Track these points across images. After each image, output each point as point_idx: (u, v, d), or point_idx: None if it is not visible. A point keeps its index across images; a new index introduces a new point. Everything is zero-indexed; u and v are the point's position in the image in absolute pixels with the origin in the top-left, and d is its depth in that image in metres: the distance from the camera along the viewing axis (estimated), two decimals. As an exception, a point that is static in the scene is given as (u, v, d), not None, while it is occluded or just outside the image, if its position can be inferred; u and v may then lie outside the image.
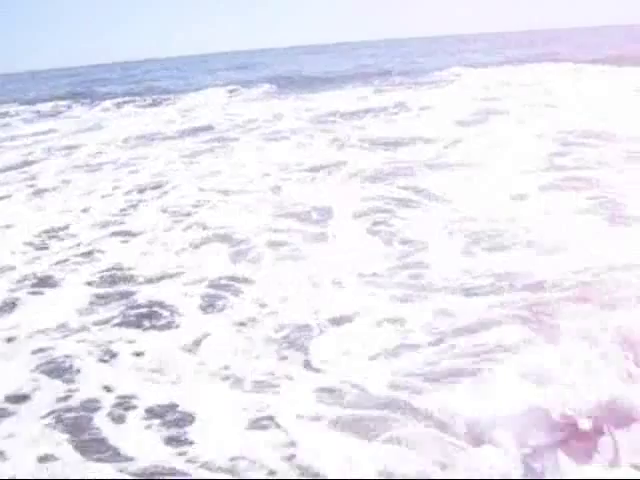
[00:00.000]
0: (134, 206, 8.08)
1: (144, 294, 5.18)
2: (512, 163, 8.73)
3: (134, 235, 6.87)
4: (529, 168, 8.34)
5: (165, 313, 4.80)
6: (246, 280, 5.32)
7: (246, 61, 53.16)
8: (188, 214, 7.51)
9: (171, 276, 5.57)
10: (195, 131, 14.75)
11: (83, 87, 35.28)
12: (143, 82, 36.08)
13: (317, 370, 3.79)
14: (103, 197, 8.80)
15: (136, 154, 11.99)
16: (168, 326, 4.62)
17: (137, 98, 24.61)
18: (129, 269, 5.80)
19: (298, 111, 16.59)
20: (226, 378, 3.78)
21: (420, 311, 4.41)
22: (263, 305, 4.78)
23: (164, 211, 7.74)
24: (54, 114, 22.51)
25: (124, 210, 7.92)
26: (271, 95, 22.29)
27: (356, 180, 8.61)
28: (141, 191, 8.83)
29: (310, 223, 6.81)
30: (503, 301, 4.43)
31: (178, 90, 27.07)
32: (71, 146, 13.83)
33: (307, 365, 3.85)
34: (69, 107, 24.46)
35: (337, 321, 4.39)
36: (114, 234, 6.98)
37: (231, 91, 24.20)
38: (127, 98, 24.63)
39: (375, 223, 6.59)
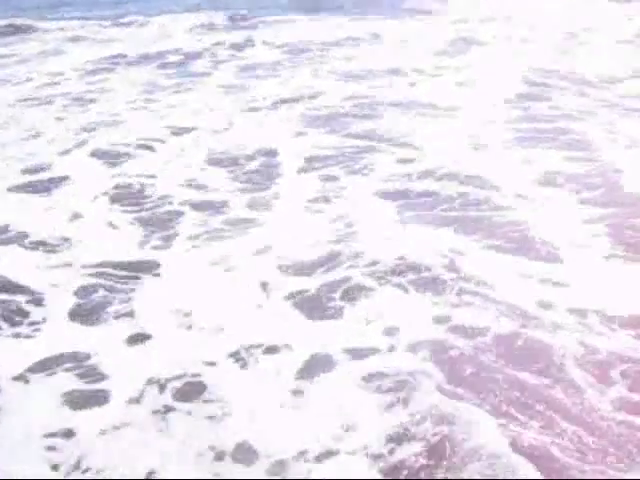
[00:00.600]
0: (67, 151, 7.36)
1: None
2: (479, 107, 8.35)
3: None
4: (496, 115, 8.00)
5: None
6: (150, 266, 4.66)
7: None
8: (115, 161, 6.93)
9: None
10: (161, 59, 13.90)
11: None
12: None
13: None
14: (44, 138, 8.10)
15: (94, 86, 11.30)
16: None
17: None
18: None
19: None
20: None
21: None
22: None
23: (96, 155, 7.14)
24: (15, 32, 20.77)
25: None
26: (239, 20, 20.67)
27: (317, 119, 8.14)
28: (86, 131, 8.24)
29: (247, 180, 6.23)
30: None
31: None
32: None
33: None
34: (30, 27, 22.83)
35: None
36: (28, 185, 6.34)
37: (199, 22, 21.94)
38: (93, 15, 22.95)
39: (322, 179, 6.13)
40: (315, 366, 3.40)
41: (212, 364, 3.49)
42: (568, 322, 3.62)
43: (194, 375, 3.41)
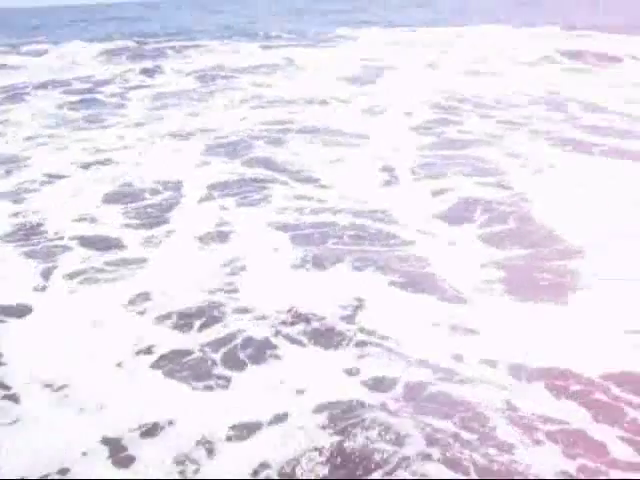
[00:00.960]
0: None
1: None
2: (388, 134, 8.37)
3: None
4: (405, 142, 7.99)
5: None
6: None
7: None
8: (16, 198, 6.50)
9: None
10: (68, 88, 13.37)
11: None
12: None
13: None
14: None
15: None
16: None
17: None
18: None
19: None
20: None
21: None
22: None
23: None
24: None
25: None
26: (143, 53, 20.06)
27: (226, 149, 7.87)
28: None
29: (146, 215, 5.85)
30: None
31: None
32: None
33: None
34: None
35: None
36: None
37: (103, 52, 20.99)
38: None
39: (220, 211, 5.81)
40: (200, 454, 2.83)
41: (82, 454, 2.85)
42: (481, 373, 3.28)
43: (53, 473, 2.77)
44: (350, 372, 3.35)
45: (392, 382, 3.22)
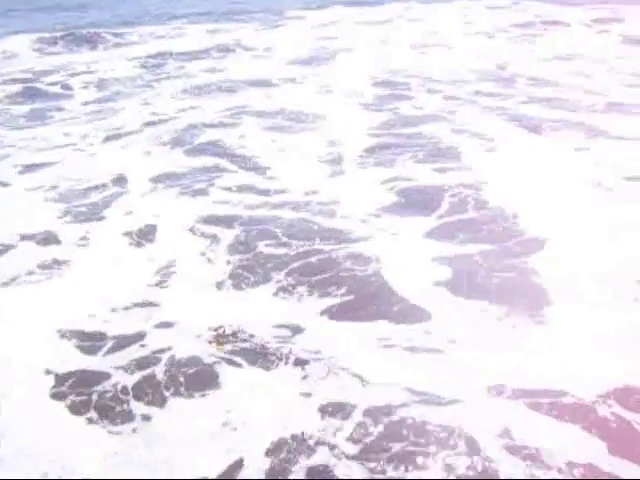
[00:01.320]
0: None
1: None
2: (340, 115, 8.20)
3: None
4: (357, 123, 7.80)
5: None
6: None
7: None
8: None
9: None
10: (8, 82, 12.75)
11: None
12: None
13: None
14: None
15: None
16: None
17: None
18: None
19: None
20: None
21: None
22: None
23: None
24: None
25: None
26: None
27: (176, 140, 7.55)
28: None
29: (85, 213, 5.53)
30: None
31: None
32: None
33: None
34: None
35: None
36: None
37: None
38: None
39: (157, 208, 5.49)
40: None
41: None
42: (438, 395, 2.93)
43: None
44: (299, 397, 2.93)
45: (345, 407, 2.89)
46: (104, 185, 6.14)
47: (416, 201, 5.30)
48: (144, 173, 6.39)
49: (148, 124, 8.47)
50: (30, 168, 6.89)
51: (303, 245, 4.58)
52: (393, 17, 19.03)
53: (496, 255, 4.28)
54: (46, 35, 17.71)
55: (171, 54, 14.44)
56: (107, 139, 7.89)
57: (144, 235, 4.94)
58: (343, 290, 3.92)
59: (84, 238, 4.97)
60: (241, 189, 5.82)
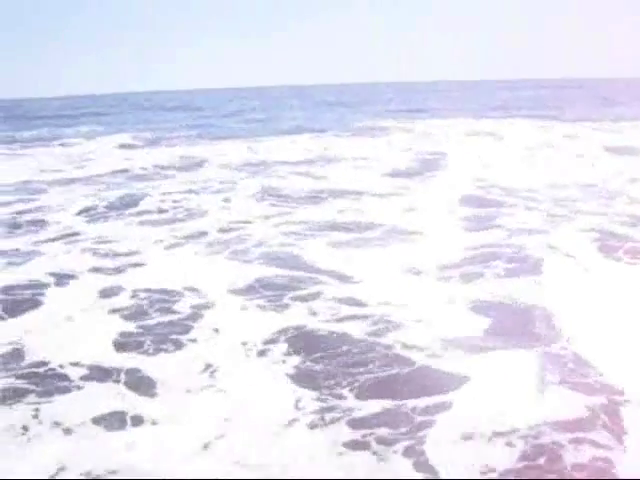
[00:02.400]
0: None
1: None
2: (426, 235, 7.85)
3: None
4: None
5: None
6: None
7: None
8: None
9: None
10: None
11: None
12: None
13: None
14: None
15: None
16: None
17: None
18: None
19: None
20: None
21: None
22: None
23: None
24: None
25: None
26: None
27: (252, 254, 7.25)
28: None
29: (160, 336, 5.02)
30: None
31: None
32: None
33: None
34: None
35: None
36: None
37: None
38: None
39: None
40: None
41: None
42: None
43: None
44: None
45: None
46: (181, 294, 5.93)
47: (503, 327, 4.91)
48: (220, 282, 6.22)
49: (226, 230, 8.48)
50: (103, 271, 6.77)
51: (379, 369, 4.26)
52: (492, 131, 19.13)
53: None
54: (148, 135, 19.13)
55: (264, 162, 15.06)
56: (183, 242, 7.91)
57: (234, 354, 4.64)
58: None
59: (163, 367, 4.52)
60: (321, 299, 5.59)
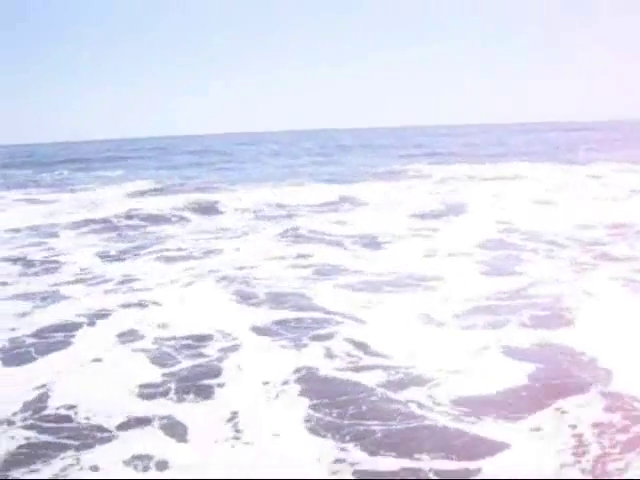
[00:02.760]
0: None
1: None
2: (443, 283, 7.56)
3: None
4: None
5: None
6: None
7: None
8: None
9: None
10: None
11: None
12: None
13: None
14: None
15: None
16: None
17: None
18: None
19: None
20: None
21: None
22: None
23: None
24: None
25: None
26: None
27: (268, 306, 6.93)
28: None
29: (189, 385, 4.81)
30: None
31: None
32: None
33: None
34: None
35: None
36: None
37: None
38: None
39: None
40: None
41: None
42: None
43: None
44: None
45: None
46: (204, 336, 5.80)
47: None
48: (242, 322, 6.12)
49: (245, 270, 8.36)
50: (126, 312, 6.71)
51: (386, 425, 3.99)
52: (512, 175, 19.05)
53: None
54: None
55: (280, 205, 15.12)
56: (203, 282, 7.81)
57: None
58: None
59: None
60: (338, 343, 5.43)
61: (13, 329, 6.22)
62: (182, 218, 13.97)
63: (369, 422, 4.03)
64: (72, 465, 3.68)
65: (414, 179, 20.15)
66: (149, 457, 3.73)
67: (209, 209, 15.02)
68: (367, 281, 7.58)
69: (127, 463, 3.67)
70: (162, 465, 3.65)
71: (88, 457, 3.76)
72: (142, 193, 19.17)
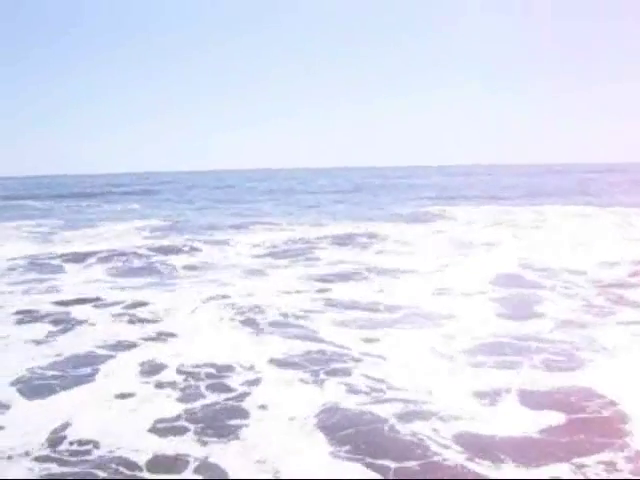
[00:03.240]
0: None
1: None
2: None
3: None
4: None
5: None
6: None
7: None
8: None
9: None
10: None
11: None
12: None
13: None
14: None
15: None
16: None
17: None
18: None
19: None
20: None
21: None
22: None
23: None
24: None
25: None
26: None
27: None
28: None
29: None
30: None
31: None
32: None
33: None
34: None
35: None
36: None
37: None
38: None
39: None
40: None
41: None
42: None
43: None
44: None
45: None
46: (225, 368, 5.92)
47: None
48: (259, 355, 6.25)
49: (260, 302, 8.50)
50: (145, 343, 6.84)
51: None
52: (532, 218, 18.98)
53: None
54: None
55: (292, 241, 15.31)
56: (218, 313, 8.01)
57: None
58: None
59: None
60: (356, 378, 5.55)
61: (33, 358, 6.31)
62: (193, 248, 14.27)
63: (390, 458, 4.11)
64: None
65: (436, 222, 19.94)
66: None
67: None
68: (384, 317, 7.73)
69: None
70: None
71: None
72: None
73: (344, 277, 10.47)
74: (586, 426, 4.49)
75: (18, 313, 8.23)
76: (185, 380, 5.66)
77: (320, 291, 9.29)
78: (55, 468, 4.09)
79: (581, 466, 3.93)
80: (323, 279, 10.29)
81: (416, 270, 10.87)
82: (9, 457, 4.19)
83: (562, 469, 3.91)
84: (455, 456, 4.10)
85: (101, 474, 3.99)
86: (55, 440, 4.46)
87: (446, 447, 4.22)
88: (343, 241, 15.07)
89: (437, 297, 8.76)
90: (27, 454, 4.24)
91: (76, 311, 8.34)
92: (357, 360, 6.05)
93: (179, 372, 5.86)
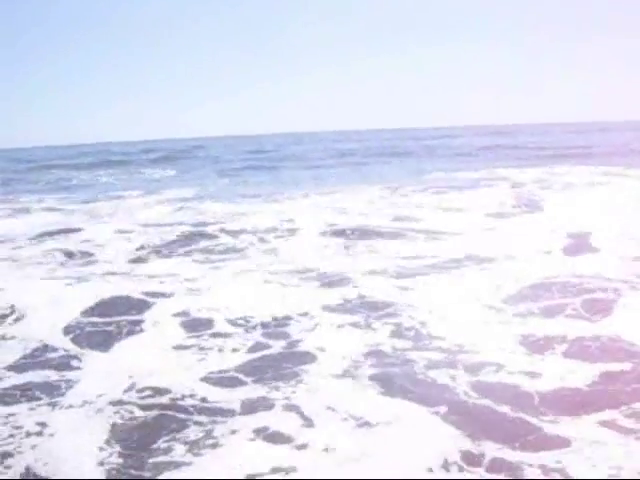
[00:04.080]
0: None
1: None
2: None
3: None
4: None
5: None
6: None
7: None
8: None
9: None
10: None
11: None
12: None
13: None
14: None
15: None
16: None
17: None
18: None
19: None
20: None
21: None
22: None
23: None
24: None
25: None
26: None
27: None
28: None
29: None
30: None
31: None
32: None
33: None
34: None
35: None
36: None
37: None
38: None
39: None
40: None
41: None
42: None
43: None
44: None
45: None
46: (275, 319, 6.13)
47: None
48: (309, 304, 6.45)
49: (300, 259, 8.67)
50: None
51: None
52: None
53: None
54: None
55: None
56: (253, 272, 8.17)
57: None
58: None
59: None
60: (403, 324, 5.72)
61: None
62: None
63: (437, 405, 4.16)
64: (202, 438, 3.87)
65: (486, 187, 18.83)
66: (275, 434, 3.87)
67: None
68: (428, 270, 7.80)
69: (251, 440, 3.82)
70: (286, 439, 3.80)
71: (218, 432, 3.95)
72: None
73: (392, 235, 10.48)
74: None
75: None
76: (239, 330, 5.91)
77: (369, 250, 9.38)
78: (139, 412, 4.29)
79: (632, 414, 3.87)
80: (369, 237, 10.39)
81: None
82: (97, 406, 4.40)
83: (614, 415, 3.87)
84: (500, 407, 4.10)
85: (180, 416, 4.19)
86: (129, 388, 4.67)
87: (487, 397, 4.23)
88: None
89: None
90: (110, 403, 4.42)
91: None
92: (405, 307, 6.22)
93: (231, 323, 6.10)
